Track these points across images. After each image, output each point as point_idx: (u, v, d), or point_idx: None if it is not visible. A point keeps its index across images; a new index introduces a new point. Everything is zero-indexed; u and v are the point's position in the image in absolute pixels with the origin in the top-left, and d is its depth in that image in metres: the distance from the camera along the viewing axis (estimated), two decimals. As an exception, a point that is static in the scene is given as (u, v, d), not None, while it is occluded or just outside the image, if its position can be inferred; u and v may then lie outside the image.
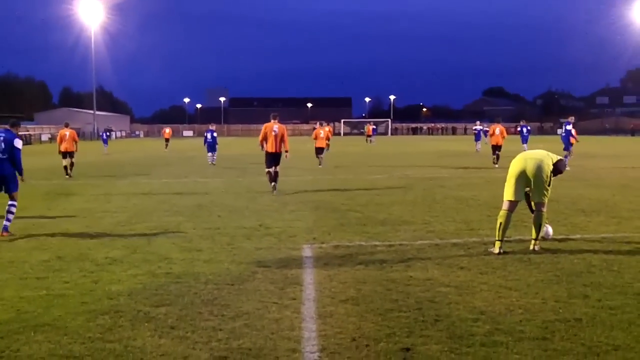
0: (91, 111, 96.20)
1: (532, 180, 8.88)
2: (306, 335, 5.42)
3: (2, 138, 10.83)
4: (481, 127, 45.23)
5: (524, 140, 34.16)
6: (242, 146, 56.05)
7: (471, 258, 8.47)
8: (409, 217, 12.23)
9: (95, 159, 36.05)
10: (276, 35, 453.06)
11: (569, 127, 25.96)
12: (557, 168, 9.07)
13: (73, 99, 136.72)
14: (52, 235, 10.53)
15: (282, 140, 17.15)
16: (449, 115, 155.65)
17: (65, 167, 23.35)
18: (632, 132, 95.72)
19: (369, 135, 65.79)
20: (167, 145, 49.52)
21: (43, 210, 13.57)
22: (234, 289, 6.96)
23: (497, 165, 26.17)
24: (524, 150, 31.90)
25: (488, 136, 31.02)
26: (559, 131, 25.20)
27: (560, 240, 9.57)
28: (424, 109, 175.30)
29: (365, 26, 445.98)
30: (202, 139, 33.35)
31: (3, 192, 10.88)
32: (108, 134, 50.45)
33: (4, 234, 10.53)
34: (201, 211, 13.34)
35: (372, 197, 15.66)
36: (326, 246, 9.40)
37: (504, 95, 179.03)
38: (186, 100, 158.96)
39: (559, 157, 9.23)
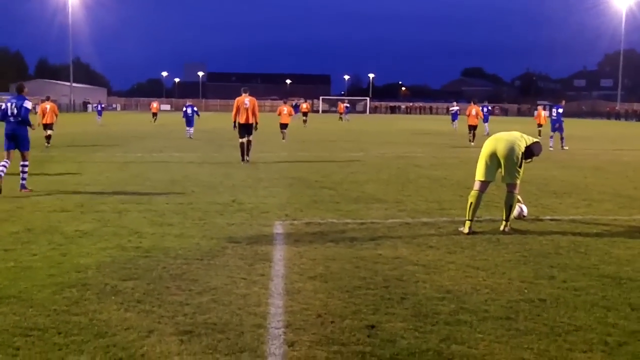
0: (67, 83, 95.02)
1: (502, 161, 8.94)
2: (272, 311, 5.43)
3: (14, 104, 12.49)
4: (457, 108, 46.47)
5: (485, 119, 36.30)
6: (219, 121, 55.66)
7: (441, 237, 8.53)
8: (382, 195, 12.28)
9: (92, 129, 35.62)
10: (256, 11, 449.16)
11: (560, 110, 26.93)
12: (531, 150, 9.11)
13: (49, 71, 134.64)
14: (22, 207, 10.42)
15: (253, 112, 18.51)
16: (427, 94, 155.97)
17: (47, 138, 24.00)
18: (608, 115, 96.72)
19: (341, 113, 66.74)
20: (155, 119, 50.51)
21: (14, 182, 13.40)
22: (203, 264, 6.95)
23: (472, 143, 27.51)
24: (486, 130, 32.99)
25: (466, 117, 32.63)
26: (551, 113, 27.71)
27: (529, 221, 9.67)
28: (403, 88, 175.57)
29: (346, 4, 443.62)
30: (180, 113, 33.85)
31: (17, 149, 12.50)
32: (103, 105, 49.87)
33: (23, 190, 12.21)
34: (175, 186, 13.27)
35: (346, 175, 15.69)
36: (298, 223, 9.42)
37: (482, 75, 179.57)
38: (164, 74, 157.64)
39: (535, 140, 9.27)
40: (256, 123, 18.71)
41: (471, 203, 8.92)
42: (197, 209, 10.42)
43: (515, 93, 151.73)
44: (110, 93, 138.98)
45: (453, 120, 44.63)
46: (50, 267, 6.71)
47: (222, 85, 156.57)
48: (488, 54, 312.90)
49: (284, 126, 30.33)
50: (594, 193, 13.00)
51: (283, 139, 29.30)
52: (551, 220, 9.93)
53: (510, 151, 8.90)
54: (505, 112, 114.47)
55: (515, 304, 5.75)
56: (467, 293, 6.06)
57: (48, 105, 24.65)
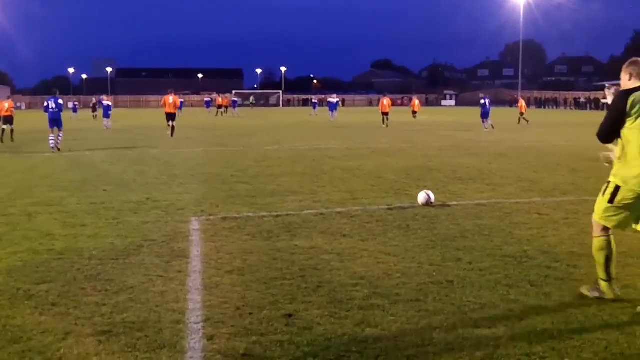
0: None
1: None
2: (191, 307, 5.50)
3: (55, 101, 22.66)
4: (338, 100, 53.06)
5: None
6: (131, 118, 54.46)
7: (354, 226, 8.78)
8: (297, 187, 12.46)
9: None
10: (165, 5, 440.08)
11: (487, 101, 34.26)
12: None
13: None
14: None
15: (175, 105, 28.53)
16: (339, 87, 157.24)
17: (4, 131, 26.81)
18: (511, 104, 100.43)
19: (226, 107, 65.01)
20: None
21: None
22: (118, 263, 6.92)
23: (385, 126, 36.70)
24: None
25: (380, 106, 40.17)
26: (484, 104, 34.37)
27: (437, 207, 10.06)
28: (315, 81, 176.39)
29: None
30: (89, 110, 34.27)
31: (55, 127, 21.94)
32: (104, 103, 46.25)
33: (55, 150, 20.94)
34: (86, 186, 13.00)
35: (262, 169, 15.78)
36: (214, 218, 9.46)
37: (391, 67, 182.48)
38: (71, 70, 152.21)
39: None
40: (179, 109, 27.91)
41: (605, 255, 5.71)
42: (111, 208, 10.29)
43: (423, 84, 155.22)
44: (13, 91, 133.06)
45: (331, 110, 48.93)
46: (-42, 274, 6.51)
47: (132, 81, 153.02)
48: (397, 46, 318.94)
49: (170, 117, 28.20)
50: (497, 178, 13.62)
51: (172, 135, 27.66)
52: (457, 205, 10.37)
53: None
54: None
55: (425, 287, 6.04)
56: (379, 278, 6.31)
57: (7, 104, 27.62)
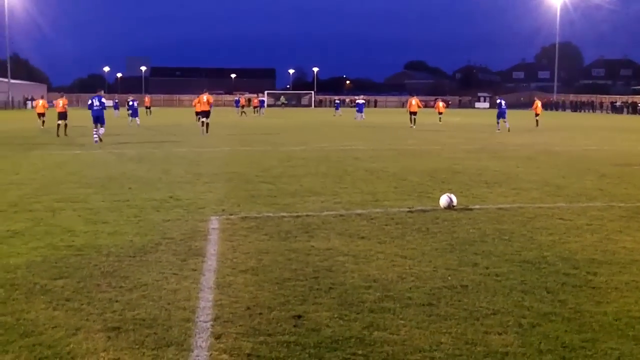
0: (5, 79, 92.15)
1: None
2: (202, 305, 5.53)
3: (98, 99, 25.02)
4: (363, 101, 54.59)
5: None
6: (162, 117, 55.02)
7: (372, 228, 8.74)
8: (319, 188, 12.44)
9: (31, 126, 34.72)
10: (199, 4, 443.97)
11: (503, 102, 35.27)
12: None
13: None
14: (-49, 208, 10.20)
15: (209, 103, 29.79)
16: (371, 88, 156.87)
17: (59, 126, 28.81)
18: (545, 107, 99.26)
19: (255, 107, 68.43)
20: (149, 112, 57.36)
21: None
22: (135, 260, 6.98)
23: (413, 126, 36.94)
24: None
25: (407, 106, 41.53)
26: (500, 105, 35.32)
27: (459, 211, 9.95)
28: (347, 82, 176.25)
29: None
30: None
31: (98, 123, 24.56)
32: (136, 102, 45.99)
33: (98, 142, 23.37)
34: (112, 183, 13.15)
35: (286, 169, 15.80)
36: (234, 218, 9.50)
37: (424, 68, 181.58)
38: (106, 69, 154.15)
39: None
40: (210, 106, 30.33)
41: None
42: (134, 206, 10.39)
43: (456, 85, 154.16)
44: (50, 89, 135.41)
45: (358, 112, 51.33)
46: (-22, 268, 6.63)
47: (165, 80, 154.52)
48: (430, 47, 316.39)
49: (205, 114, 30.16)
50: (523, 182, 13.44)
51: (206, 131, 29.40)
52: (480, 209, 10.25)
53: None
54: (447, 104, 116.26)
55: (438, 291, 5.98)
56: (392, 281, 6.26)
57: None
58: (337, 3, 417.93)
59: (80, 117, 36.04)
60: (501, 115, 34.44)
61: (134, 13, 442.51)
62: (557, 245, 7.80)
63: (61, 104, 29.59)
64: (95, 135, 24.25)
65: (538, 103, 41.93)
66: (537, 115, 40.37)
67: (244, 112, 59.13)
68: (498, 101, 35.91)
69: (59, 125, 28.80)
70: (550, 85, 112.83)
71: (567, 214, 9.80)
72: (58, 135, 27.97)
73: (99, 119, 24.66)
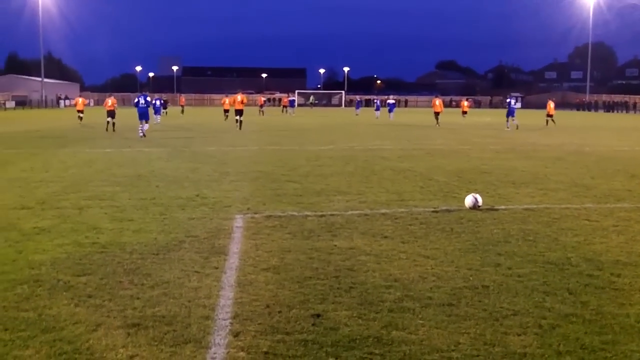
0: (38, 78, 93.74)
1: None
2: (221, 303, 5.56)
3: (144, 98, 27.66)
4: (394, 101, 54.76)
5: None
6: (194, 116, 55.44)
7: (396, 227, 8.70)
8: (345, 187, 12.43)
9: (61, 125, 35.33)
10: (231, 4, 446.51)
11: (513, 100, 37.98)
12: None
13: (20, 66, 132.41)
14: (-18, 205, 10.41)
15: (242, 102, 32.42)
16: (402, 87, 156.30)
17: (108, 124, 31.10)
18: (577, 107, 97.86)
19: (284, 106, 69.48)
20: (182, 110, 58.33)
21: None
22: (158, 258, 7.05)
23: (437, 125, 38.27)
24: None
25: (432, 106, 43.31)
26: (510, 103, 37.48)
27: (484, 211, 9.87)
28: (378, 81, 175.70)
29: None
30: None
31: (143, 120, 26.79)
32: (162, 102, 48.91)
33: (143, 137, 25.41)
34: (139, 181, 13.30)
35: (313, 168, 15.82)
36: (259, 216, 9.53)
37: (456, 68, 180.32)
38: (138, 68, 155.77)
39: None
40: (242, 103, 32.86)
41: None
42: (160, 204, 10.49)
43: (488, 85, 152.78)
44: (83, 88, 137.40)
45: (390, 111, 51.51)
46: (4, 264, 6.75)
47: (197, 80, 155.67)
48: (462, 47, 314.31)
49: (239, 112, 33.01)
50: (551, 182, 13.27)
51: (240, 128, 32.26)
52: (505, 209, 10.15)
53: None
54: (478, 104, 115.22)
55: (459, 291, 5.94)
56: (413, 281, 6.24)
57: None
58: (369, 3, 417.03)
59: (124, 115, 37.35)
60: (510, 113, 36.00)
61: (166, 13, 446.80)
62: (581, 246, 7.69)
63: (110, 103, 31.78)
64: (140, 131, 26.63)
65: (551, 104, 41.74)
66: (549, 115, 40.06)
67: (262, 111, 59.63)
68: (508, 100, 37.57)
69: (108, 122, 31.11)
70: (583, 86, 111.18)
71: (594, 215, 9.66)
72: (107, 130, 30.40)
73: (144, 116, 27.07)
